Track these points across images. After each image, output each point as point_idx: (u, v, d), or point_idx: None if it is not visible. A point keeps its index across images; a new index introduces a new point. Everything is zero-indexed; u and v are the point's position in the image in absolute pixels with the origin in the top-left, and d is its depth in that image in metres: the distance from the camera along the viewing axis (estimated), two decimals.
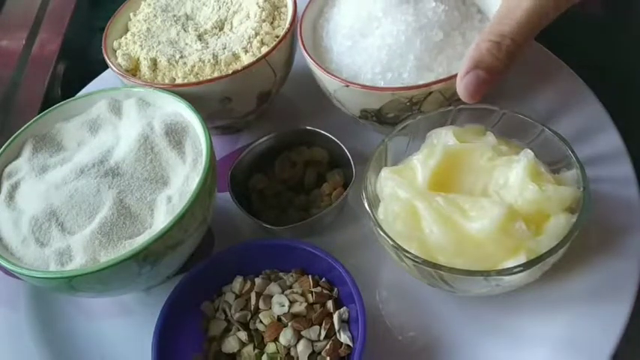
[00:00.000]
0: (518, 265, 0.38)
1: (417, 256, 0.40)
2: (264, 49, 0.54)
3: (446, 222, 0.41)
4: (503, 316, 0.45)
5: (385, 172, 0.45)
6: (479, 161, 0.44)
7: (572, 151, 0.43)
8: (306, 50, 0.53)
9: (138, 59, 0.56)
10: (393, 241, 0.41)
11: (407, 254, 0.40)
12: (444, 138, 0.46)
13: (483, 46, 0.43)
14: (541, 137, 0.45)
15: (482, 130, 0.47)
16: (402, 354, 0.45)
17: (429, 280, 0.42)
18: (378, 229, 0.42)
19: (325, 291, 0.45)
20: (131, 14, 0.61)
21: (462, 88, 0.43)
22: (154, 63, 0.55)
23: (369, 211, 0.43)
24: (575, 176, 0.43)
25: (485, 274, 0.39)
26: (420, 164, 0.44)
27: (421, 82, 0.48)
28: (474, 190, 0.43)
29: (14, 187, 0.47)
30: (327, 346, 0.43)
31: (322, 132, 0.54)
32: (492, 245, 0.40)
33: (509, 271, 0.38)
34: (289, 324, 0.44)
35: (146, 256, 0.42)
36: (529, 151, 0.43)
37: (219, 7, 0.59)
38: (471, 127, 0.47)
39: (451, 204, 0.41)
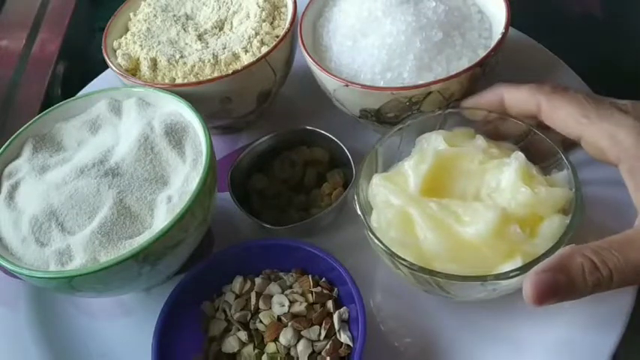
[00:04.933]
0: (515, 269, 0.38)
1: (412, 264, 0.40)
2: (264, 49, 0.54)
3: (440, 227, 0.41)
4: (503, 319, 0.45)
5: (377, 179, 0.45)
6: (470, 165, 0.44)
7: (562, 152, 0.43)
8: (306, 50, 0.53)
9: (138, 59, 0.56)
10: (388, 248, 0.41)
11: (402, 261, 0.40)
12: (434, 142, 0.46)
13: (580, 260, 0.36)
14: (530, 139, 0.45)
15: (471, 134, 0.46)
16: (402, 354, 0.45)
17: (425, 286, 0.42)
18: (373, 237, 0.42)
19: (325, 291, 0.45)
20: (131, 14, 0.61)
21: (530, 283, 0.36)
22: (154, 63, 0.55)
23: (363, 218, 0.43)
24: (566, 177, 0.42)
25: (482, 279, 0.38)
26: (412, 170, 0.44)
27: (421, 82, 0.48)
28: (466, 194, 0.43)
29: (14, 187, 0.47)
30: (327, 346, 0.43)
31: (322, 132, 0.54)
32: (488, 249, 0.39)
33: (505, 275, 0.38)
34: (289, 324, 0.44)
35: (146, 256, 0.42)
36: (520, 153, 0.43)
37: (219, 7, 0.59)
38: (460, 130, 0.47)
39: (444, 209, 0.41)
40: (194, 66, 0.53)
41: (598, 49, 0.62)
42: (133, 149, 0.47)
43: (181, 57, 0.54)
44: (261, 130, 0.59)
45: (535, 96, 0.43)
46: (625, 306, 0.42)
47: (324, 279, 0.47)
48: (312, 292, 0.45)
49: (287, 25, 0.55)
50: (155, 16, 0.59)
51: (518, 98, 0.43)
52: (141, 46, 0.56)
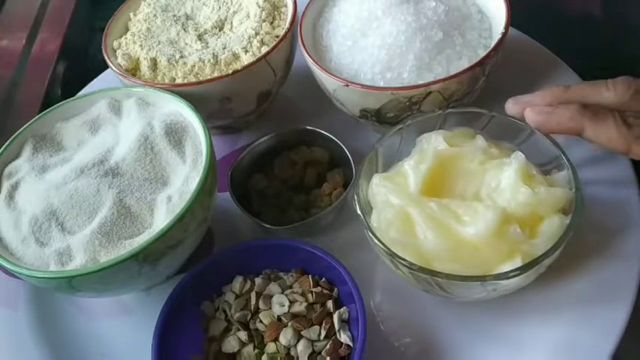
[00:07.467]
0: (515, 269, 0.38)
1: (412, 264, 0.40)
2: (264, 49, 0.54)
3: (440, 227, 0.41)
4: (503, 319, 0.45)
5: (377, 179, 0.45)
6: (470, 165, 0.44)
7: (563, 152, 0.43)
8: (306, 50, 0.53)
9: (138, 59, 0.56)
10: (388, 248, 0.41)
11: (402, 261, 0.40)
12: (435, 142, 0.45)
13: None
14: (530, 139, 0.45)
15: (471, 134, 0.46)
16: (402, 354, 0.45)
17: (425, 286, 0.42)
18: (373, 237, 0.42)
19: (325, 291, 0.45)
20: (131, 14, 0.61)
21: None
22: (154, 63, 0.55)
23: (363, 218, 0.43)
24: (566, 177, 0.42)
25: (482, 279, 0.38)
26: (412, 170, 0.44)
27: (421, 82, 0.48)
28: (466, 194, 0.43)
29: (14, 187, 0.47)
30: (327, 346, 0.43)
31: (322, 132, 0.54)
32: (487, 249, 0.39)
33: (505, 276, 0.38)
34: (289, 324, 0.44)
35: (146, 256, 0.42)
36: (520, 153, 0.43)
37: (219, 7, 0.59)
38: (460, 130, 0.47)
39: (444, 209, 0.41)
40: (194, 66, 0.53)
41: (598, 49, 0.62)
42: (133, 149, 0.47)
43: (181, 57, 0.54)
44: (261, 130, 0.59)
45: (626, 140, 0.42)
46: (625, 306, 0.42)
47: (324, 279, 0.47)
48: (312, 292, 0.45)
49: (287, 25, 0.55)
50: (155, 16, 0.59)
51: (605, 137, 0.42)
52: (141, 46, 0.56)
